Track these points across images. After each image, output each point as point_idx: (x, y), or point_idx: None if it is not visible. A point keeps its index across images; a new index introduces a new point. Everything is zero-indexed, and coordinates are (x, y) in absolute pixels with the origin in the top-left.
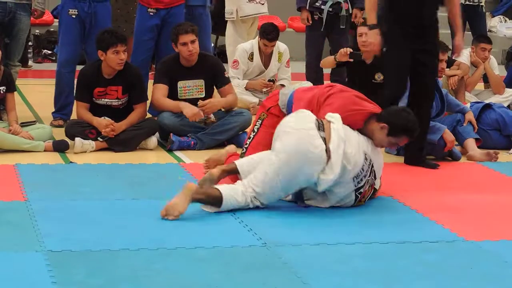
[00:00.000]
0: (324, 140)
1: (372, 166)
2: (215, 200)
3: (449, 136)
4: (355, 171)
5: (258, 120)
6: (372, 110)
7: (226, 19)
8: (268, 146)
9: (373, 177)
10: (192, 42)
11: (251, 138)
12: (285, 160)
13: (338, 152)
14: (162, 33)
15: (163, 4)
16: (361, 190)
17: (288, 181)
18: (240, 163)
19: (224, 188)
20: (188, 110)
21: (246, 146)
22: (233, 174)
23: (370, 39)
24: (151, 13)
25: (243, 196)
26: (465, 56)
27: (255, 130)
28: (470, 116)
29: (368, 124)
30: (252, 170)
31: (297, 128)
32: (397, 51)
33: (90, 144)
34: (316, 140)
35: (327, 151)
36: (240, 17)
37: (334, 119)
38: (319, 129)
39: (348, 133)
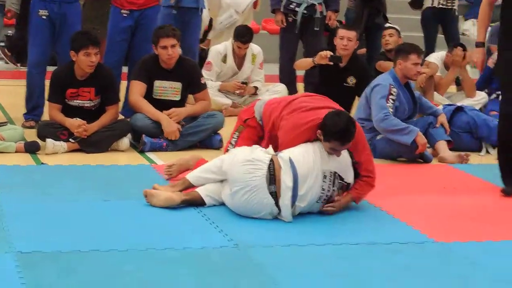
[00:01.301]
0: (275, 194)
1: (335, 174)
2: (200, 203)
3: (421, 139)
4: (313, 199)
5: (236, 133)
6: (318, 121)
7: (225, 27)
8: None
9: (340, 181)
10: (173, 46)
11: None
12: (236, 207)
13: (285, 202)
14: (136, 34)
15: (136, 5)
16: (330, 200)
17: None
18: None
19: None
20: (167, 126)
21: None
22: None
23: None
24: (124, 15)
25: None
26: (435, 57)
27: (233, 143)
28: (442, 118)
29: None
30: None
31: (245, 186)
32: None
33: (62, 145)
34: (263, 202)
35: (277, 204)
36: (242, 12)
37: (283, 161)
38: (270, 183)
39: (302, 165)
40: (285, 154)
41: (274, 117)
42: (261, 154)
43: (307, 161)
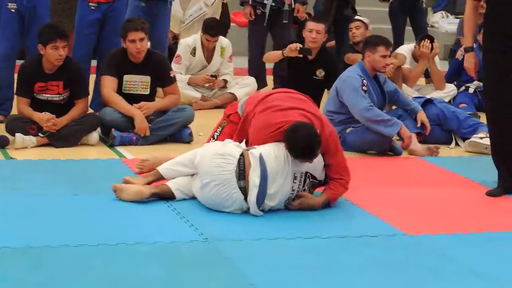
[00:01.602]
0: (244, 190)
1: (307, 174)
2: (169, 197)
3: (406, 131)
4: (283, 199)
5: (219, 128)
6: (287, 124)
7: (194, 19)
8: None
9: (311, 180)
10: (141, 40)
11: None
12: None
13: (252, 199)
14: (104, 27)
15: None
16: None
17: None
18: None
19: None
20: (140, 122)
21: None
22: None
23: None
24: (92, 7)
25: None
26: (404, 49)
27: (215, 137)
28: (422, 116)
29: None
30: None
31: (214, 180)
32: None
33: (31, 139)
34: (233, 196)
35: (246, 200)
36: (211, 4)
37: (253, 158)
38: (239, 179)
39: (273, 163)
40: (257, 151)
41: (248, 110)
42: (233, 149)
43: (279, 160)
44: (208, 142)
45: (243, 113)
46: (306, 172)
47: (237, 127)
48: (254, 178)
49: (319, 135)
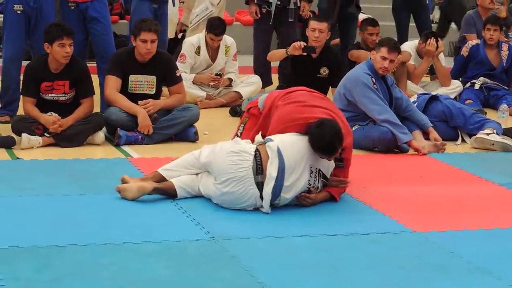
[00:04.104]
0: (262, 184)
1: (319, 171)
2: (172, 194)
3: (414, 144)
4: (298, 192)
5: (241, 125)
6: (312, 120)
7: (201, 19)
8: None
9: (323, 180)
10: (152, 41)
11: None
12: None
13: (266, 191)
14: (91, 27)
15: None
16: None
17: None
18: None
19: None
20: (142, 120)
21: None
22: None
23: None
24: (72, 7)
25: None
26: (409, 45)
27: (239, 134)
28: (434, 134)
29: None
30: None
31: (233, 177)
32: None
33: (37, 139)
34: (248, 192)
35: (261, 196)
36: (217, 4)
37: (271, 151)
38: (257, 173)
39: (291, 155)
40: (274, 143)
41: (270, 103)
42: (246, 146)
43: (297, 152)
44: (233, 139)
45: (264, 107)
46: (320, 170)
47: (259, 121)
48: (271, 171)
49: (342, 133)
